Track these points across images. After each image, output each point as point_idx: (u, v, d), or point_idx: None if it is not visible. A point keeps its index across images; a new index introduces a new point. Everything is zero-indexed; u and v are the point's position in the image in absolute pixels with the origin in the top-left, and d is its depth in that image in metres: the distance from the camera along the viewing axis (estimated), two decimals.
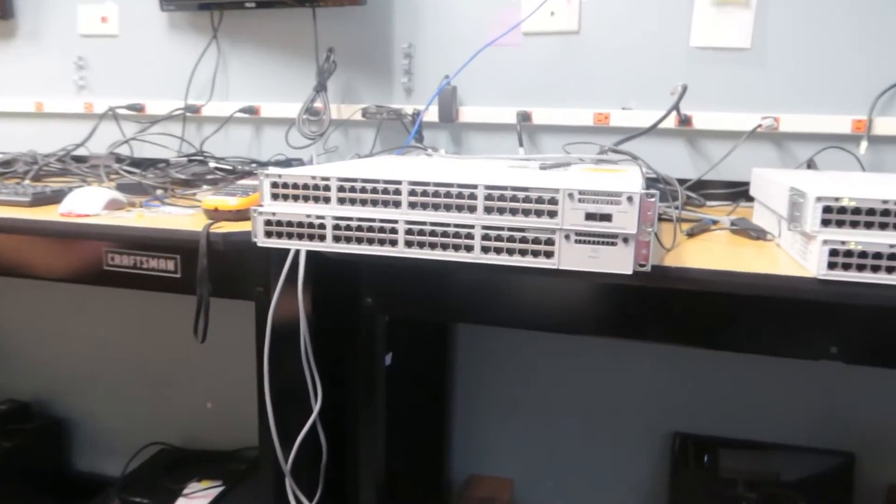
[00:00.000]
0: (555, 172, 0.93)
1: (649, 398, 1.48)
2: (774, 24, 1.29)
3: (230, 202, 1.03)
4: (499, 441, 1.59)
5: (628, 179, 0.84)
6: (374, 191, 0.82)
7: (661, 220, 0.99)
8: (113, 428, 1.85)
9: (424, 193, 0.80)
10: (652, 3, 1.35)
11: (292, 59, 1.56)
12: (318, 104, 1.48)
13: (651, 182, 1.01)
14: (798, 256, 0.83)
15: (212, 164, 1.37)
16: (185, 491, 1.50)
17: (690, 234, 0.99)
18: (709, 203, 1.25)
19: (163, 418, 1.80)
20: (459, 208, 0.79)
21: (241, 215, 1.03)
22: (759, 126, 1.28)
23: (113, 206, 1.12)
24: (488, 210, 0.78)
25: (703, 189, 1.30)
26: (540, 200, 0.76)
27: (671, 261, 0.83)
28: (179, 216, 1.08)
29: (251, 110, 1.58)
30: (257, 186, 1.08)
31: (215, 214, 1.03)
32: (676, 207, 1.06)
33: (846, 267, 0.74)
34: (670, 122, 1.30)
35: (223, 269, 0.98)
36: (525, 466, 1.58)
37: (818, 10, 1.27)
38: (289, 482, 1.03)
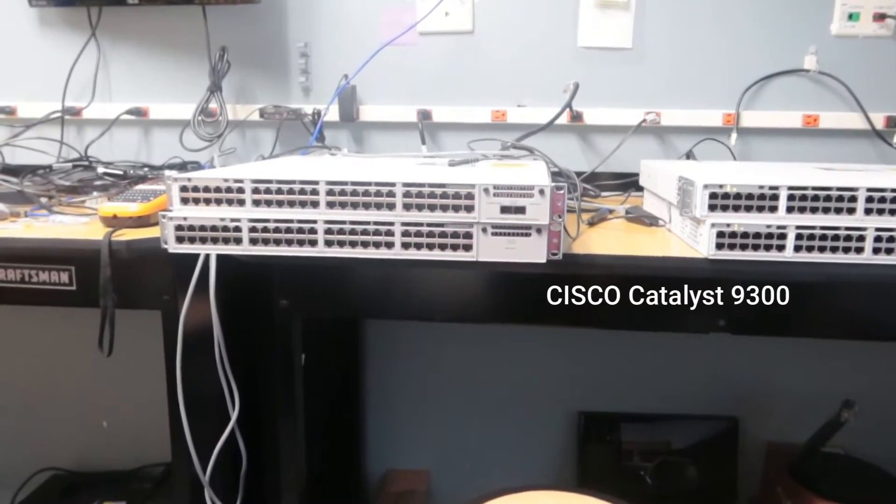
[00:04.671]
0: (465, 168, 0.97)
1: (554, 381, 1.55)
2: (652, 26, 1.40)
3: (130, 208, 0.99)
4: (413, 434, 1.61)
5: (537, 173, 0.89)
6: (291, 191, 0.82)
7: None
8: None
9: (342, 193, 0.81)
10: (541, 5, 1.41)
11: (181, 59, 1.51)
12: (212, 105, 1.44)
13: (554, 175, 1.07)
14: (689, 240, 0.91)
15: (100, 170, 1.30)
16: None
17: (591, 224, 1.06)
18: (603, 194, 1.33)
19: (52, 442, 1.68)
20: (378, 206, 0.81)
21: (143, 221, 0.99)
22: (644, 121, 1.38)
23: None
24: (407, 207, 0.80)
25: (595, 181, 1.38)
26: (457, 196, 0.79)
27: (578, 248, 0.88)
28: (72, 225, 1.02)
29: (139, 112, 1.50)
30: (158, 191, 1.06)
31: (114, 222, 0.98)
32: (575, 199, 1.12)
33: (731, 247, 0.83)
34: (563, 118, 1.37)
35: (123, 279, 0.94)
36: (440, 457, 1.61)
37: (689, 14, 1.38)
38: (208, 493, 1.01)
